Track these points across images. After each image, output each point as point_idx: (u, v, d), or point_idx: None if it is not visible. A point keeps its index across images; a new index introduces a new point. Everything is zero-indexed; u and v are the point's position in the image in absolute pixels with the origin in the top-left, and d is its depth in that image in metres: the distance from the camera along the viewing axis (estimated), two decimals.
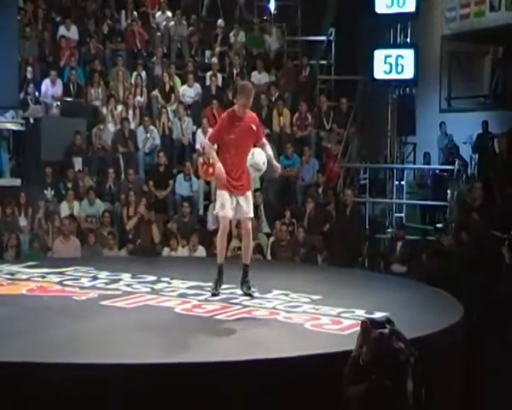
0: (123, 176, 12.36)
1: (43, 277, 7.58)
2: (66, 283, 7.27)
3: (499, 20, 12.63)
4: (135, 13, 15.15)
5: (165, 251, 10.70)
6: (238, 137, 6.64)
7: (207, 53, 15.10)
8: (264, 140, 6.97)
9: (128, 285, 7.18)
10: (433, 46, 14.12)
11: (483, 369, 6.27)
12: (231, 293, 6.86)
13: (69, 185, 11.82)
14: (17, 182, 11.77)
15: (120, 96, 13.64)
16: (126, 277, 7.58)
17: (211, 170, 12.35)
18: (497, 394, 6.13)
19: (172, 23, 15.09)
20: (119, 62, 14.00)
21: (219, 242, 6.83)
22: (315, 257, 10.57)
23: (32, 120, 12.65)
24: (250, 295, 6.72)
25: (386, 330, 3.76)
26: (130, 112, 13.34)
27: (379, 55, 11.67)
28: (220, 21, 15.26)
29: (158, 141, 12.95)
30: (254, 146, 6.74)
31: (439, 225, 10.54)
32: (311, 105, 13.85)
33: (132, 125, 13.05)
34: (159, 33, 15.06)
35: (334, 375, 3.99)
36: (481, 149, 12.34)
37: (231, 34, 15.10)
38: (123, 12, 15.31)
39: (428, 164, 13.55)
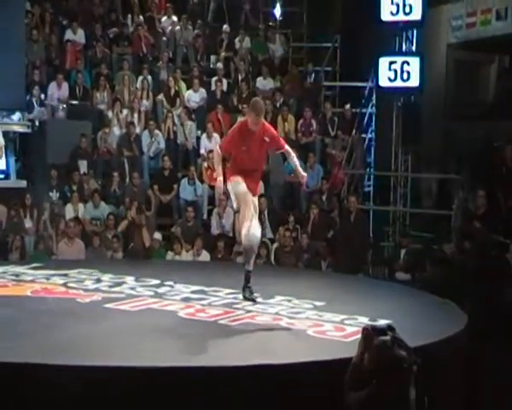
0: (128, 179, 12.39)
1: (48, 278, 7.60)
2: (70, 285, 7.29)
3: (505, 29, 12.63)
4: (141, 17, 15.21)
5: (169, 255, 10.72)
6: (250, 149, 6.65)
7: (213, 58, 15.14)
8: (288, 148, 6.96)
9: (132, 288, 7.20)
10: (439, 54, 14.12)
11: (485, 378, 6.26)
12: (234, 298, 6.87)
13: (74, 188, 11.85)
14: (23, 184, 11.80)
15: (126, 100, 13.68)
16: (130, 280, 7.59)
17: (215, 175, 12.41)
18: (499, 403, 6.12)
19: (178, 28, 15.13)
20: (124, 66, 14.04)
21: (243, 216, 6.54)
22: (318, 263, 10.57)
23: (37, 123, 12.69)
24: (253, 300, 6.72)
25: (388, 338, 3.76)
26: (136, 116, 13.37)
27: (384, 62, 11.68)
28: (226, 27, 15.30)
29: (163, 145, 12.97)
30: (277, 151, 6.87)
31: (442, 234, 10.54)
32: (316, 111, 13.88)
33: (137, 129, 13.09)
34: (164, 38, 15.11)
35: (337, 382, 3.99)
36: (486, 157, 12.34)
37: (237, 40, 15.14)
38: (129, 16, 15.36)
39: (433, 172, 13.55)
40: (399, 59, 11.66)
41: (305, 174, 7.00)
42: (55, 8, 14.97)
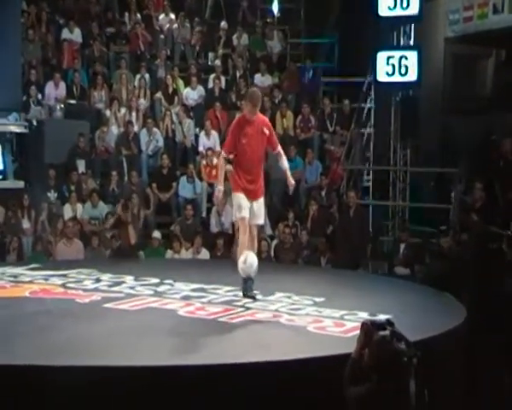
0: (126, 178, 12.37)
1: (47, 279, 7.59)
2: (69, 285, 7.28)
3: (502, 23, 12.60)
4: (138, 15, 15.19)
5: (169, 253, 10.71)
6: (250, 140, 6.71)
7: (210, 55, 15.13)
8: (280, 150, 7.02)
9: (131, 288, 7.19)
10: (437, 49, 14.10)
11: (485, 370, 6.26)
12: (234, 295, 6.86)
13: (72, 188, 11.84)
14: (20, 184, 11.79)
15: (124, 99, 13.66)
16: (129, 279, 7.58)
17: (214, 172, 12.41)
18: (499, 395, 6.12)
19: (176, 25, 15.12)
20: (122, 65, 14.03)
21: (242, 244, 6.76)
22: (318, 259, 10.57)
23: (35, 123, 12.68)
24: (253, 297, 6.72)
25: (387, 332, 3.76)
26: (134, 114, 13.36)
27: (382, 57, 11.66)
28: (223, 24, 15.28)
29: (161, 143, 12.96)
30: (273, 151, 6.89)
31: (442, 227, 10.53)
32: (315, 107, 13.87)
33: (136, 128, 13.07)
34: (162, 36, 15.10)
35: (338, 377, 3.99)
36: (484, 151, 12.33)
37: (234, 36, 15.13)
38: (126, 14, 15.34)
39: (431, 166, 13.53)
40: (397, 53, 11.63)
41: (293, 182, 7.11)
42: (51, 8, 14.96)
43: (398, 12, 11.59)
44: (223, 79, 14.31)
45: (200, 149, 12.85)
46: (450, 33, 13.85)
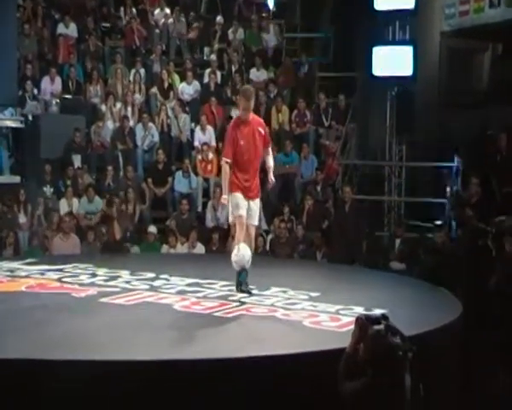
0: (122, 173, 12.37)
1: (43, 274, 7.60)
2: (65, 280, 7.30)
3: (499, 17, 12.58)
4: (134, 10, 15.15)
5: (164, 248, 10.72)
6: (247, 141, 6.77)
7: (206, 50, 15.11)
8: (269, 149, 7.07)
9: (127, 282, 7.21)
10: (432, 43, 14.09)
11: (480, 364, 6.28)
12: (230, 290, 6.88)
13: (68, 182, 11.83)
14: (16, 179, 11.78)
15: (119, 94, 13.64)
16: (125, 274, 7.60)
17: (209, 167, 12.41)
18: (494, 390, 6.14)
19: (171, 20, 15.08)
20: (117, 60, 14.01)
21: (238, 243, 6.72)
22: (314, 254, 10.59)
23: (30, 118, 12.64)
24: (248, 292, 6.73)
25: (382, 327, 3.77)
26: (129, 109, 13.34)
27: (378, 51, 11.66)
28: (219, 18, 15.25)
29: (157, 138, 12.95)
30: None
31: (438, 222, 10.55)
32: (310, 102, 13.86)
33: (131, 123, 13.06)
34: (157, 30, 15.07)
35: (333, 372, 4.00)
36: (480, 145, 12.33)
37: (230, 31, 15.10)
38: (122, 9, 15.31)
39: (427, 161, 13.53)
40: (393, 48, 11.64)
41: (273, 180, 7.17)
42: (47, 2, 14.92)
43: (394, 6, 11.60)
44: (218, 73, 14.29)
45: (196, 143, 12.84)
46: (447, 27, 13.82)
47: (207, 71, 14.21)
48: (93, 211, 11.47)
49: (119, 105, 13.39)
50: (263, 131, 6.90)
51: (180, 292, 6.80)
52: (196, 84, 13.93)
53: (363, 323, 3.89)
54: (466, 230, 7.33)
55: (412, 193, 12.03)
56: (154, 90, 13.83)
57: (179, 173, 12.29)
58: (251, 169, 6.83)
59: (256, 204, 6.92)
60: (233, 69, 14.33)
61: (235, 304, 6.37)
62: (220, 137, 12.14)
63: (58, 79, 13.38)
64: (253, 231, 6.95)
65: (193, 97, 13.83)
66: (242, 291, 6.76)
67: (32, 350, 4.90)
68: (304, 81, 14.53)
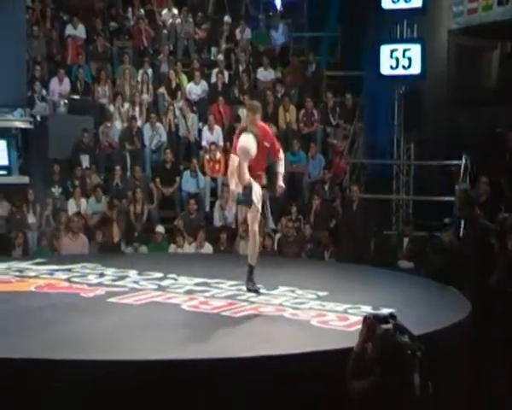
0: (129, 173, 12.40)
1: (52, 274, 7.62)
2: (73, 280, 7.31)
3: (507, 14, 12.54)
4: (141, 10, 15.18)
5: (172, 248, 10.73)
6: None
7: (213, 50, 15.11)
8: (281, 156, 7.00)
9: (135, 282, 7.21)
10: (440, 41, 14.05)
11: (489, 363, 6.26)
12: (238, 289, 6.88)
13: (76, 183, 11.87)
14: (25, 180, 11.80)
15: (127, 94, 13.68)
16: (133, 273, 7.61)
17: (217, 167, 12.42)
18: (502, 389, 6.13)
19: (179, 20, 15.10)
20: (125, 60, 14.04)
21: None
22: (321, 253, 10.58)
23: (39, 118, 12.70)
24: (256, 291, 6.73)
25: (390, 326, 3.77)
26: (137, 109, 13.38)
27: (385, 50, 11.64)
28: (227, 18, 15.26)
29: (164, 138, 12.98)
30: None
31: (445, 221, 10.52)
32: (318, 101, 13.85)
33: (139, 123, 13.09)
34: (165, 31, 15.09)
35: (341, 371, 4.00)
36: (489, 143, 12.30)
37: (237, 31, 15.11)
38: (130, 10, 15.34)
39: (435, 159, 13.51)
40: (401, 46, 11.62)
41: (283, 185, 7.02)
42: (55, 4, 14.98)
43: (402, 5, 11.58)
44: (226, 73, 14.30)
45: (204, 143, 12.86)
46: (455, 25, 13.79)
47: (215, 71, 14.23)
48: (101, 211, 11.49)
49: (126, 105, 13.43)
50: (268, 145, 6.79)
51: (188, 292, 6.80)
52: (204, 84, 13.95)
53: (371, 322, 3.90)
54: (474, 228, 7.30)
55: (420, 191, 12.01)
56: (162, 90, 13.86)
57: (187, 173, 12.31)
58: (257, 172, 6.76)
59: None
60: (240, 69, 14.33)
61: (243, 303, 6.36)
62: (228, 136, 12.15)
63: (66, 80, 13.43)
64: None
65: (200, 97, 13.85)
66: (250, 290, 6.76)
67: (41, 350, 4.92)
68: (311, 80, 14.52)
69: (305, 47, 15.49)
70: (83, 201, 11.58)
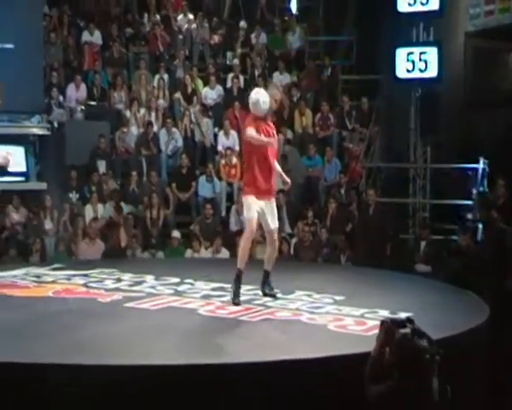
0: (146, 178, 12.43)
1: (69, 279, 7.65)
2: (90, 285, 7.34)
3: None
4: (157, 16, 15.25)
5: (188, 253, 10.74)
6: (267, 135, 6.59)
7: (229, 54, 15.14)
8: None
9: (152, 287, 7.23)
10: (457, 43, 13.99)
11: (508, 368, 6.21)
12: (255, 294, 6.87)
13: (93, 188, 11.92)
14: (43, 186, 11.87)
15: (143, 100, 13.73)
16: (150, 279, 7.62)
17: (233, 171, 12.42)
18: None
19: (194, 26, 15.15)
20: (141, 66, 14.10)
21: (243, 246, 6.57)
22: (338, 257, 10.55)
23: (56, 125, 12.77)
24: (273, 295, 6.71)
25: (408, 330, 3.75)
26: (153, 115, 13.42)
27: (402, 53, 11.59)
28: (242, 23, 15.29)
29: (180, 143, 13.01)
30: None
31: (462, 225, 10.45)
32: (333, 105, 13.83)
33: (155, 128, 13.13)
34: (181, 36, 15.14)
35: (359, 376, 3.98)
36: (506, 146, 12.21)
37: (253, 35, 15.13)
38: (145, 15, 15.41)
39: (452, 162, 13.44)
40: (417, 49, 11.56)
41: (288, 180, 6.90)
42: (72, 10, 15.04)
43: (418, 7, 11.53)
44: (241, 78, 14.32)
45: (219, 148, 12.88)
46: (471, 28, 13.72)
47: (230, 75, 14.25)
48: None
49: (143, 111, 13.48)
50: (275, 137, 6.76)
51: (205, 297, 6.81)
52: (219, 88, 13.97)
53: (388, 326, 3.87)
54: (491, 232, 7.26)
55: (437, 195, 11.94)
56: (178, 95, 13.89)
57: (203, 178, 12.33)
58: (271, 167, 6.62)
59: (273, 205, 6.71)
60: (256, 73, 14.34)
61: (259, 308, 6.36)
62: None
63: (83, 86, 13.50)
64: (274, 235, 6.78)
65: (216, 102, 13.87)
66: (266, 295, 6.74)
67: (58, 355, 4.93)
68: (327, 84, 14.51)
69: (320, 51, 15.49)
70: (99, 206, 11.62)
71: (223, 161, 12.53)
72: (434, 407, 3.74)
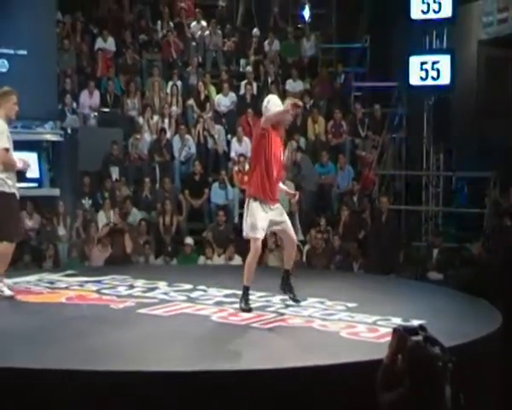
0: (159, 185, 12.47)
1: (82, 285, 7.67)
2: (103, 291, 7.35)
3: None
4: (170, 23, 15.31)
5: (201, 259, 10.76)
6: (274, 142, 6.53)
7: (242, 62, 15.19)
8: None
9: (165, 294, 7.23)
10: (470, 51, 13.99)
11: None
12: (267, 301, 6.88)
13: (106, 195, 11.95)
14: (56, 192, 11.91)
15: (156, 106, 13.77)
16: (163, 285, 7.63)
17: (246, 178, 12.43)
18: None
19: (207, 32, 15.21)
20: (154, 72, 14.15)
21: (249, 265, 6.47)
22: (350, 264, 10.54)
23: (69, 131, 12.83)
24: (297, 300, 6.67)
25: (421, 338, 3.75)
26: (166, 121, 13.47)
27: (415, 61, 11.60)
28: (255, 30, 15.33)
29: (193, 150, 13.04)
30: None
31: (475, 233, 10.43)
32: (346, 112, 13.84)
33: (168, 135, 13.17)
34: (194, 43, 15.20)
35: (371, 383, 3.98)
36: None
37: (266, 43, 15.17)
38: (159, 22, 15.48)
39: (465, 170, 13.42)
40: (430, 57, 11.56)
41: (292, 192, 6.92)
42: (85, 17, 15.13)
43: (431, 15, 11.53)
44: (254, 85, 14.35)
45: (232, 155, 12.90)
46: (484, 36, 13.72)
47: (243, 82, 14.28)
48: (130, 223, 11.55)
49: (156, 117, 13.53)
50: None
51: (217, 303, 6.82)
52: (233, 95, 14.01)
53: (401, 334, 3.87)
54: (504, 239, 7.24)
55: (450, 203, 11.93)
56: (191, 102, 13.93)
57: (216, 185, 12.35)
58: (279, 171, 6.57)
59: (281, 209, 6.60)
60: (269, 80, 14.37)
61: (272, 315, 6.36)
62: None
63: (96, 93, 13.56)
64: (292, 235, 6.68)
65: (229, 109, 13.91)
66: (286, 294, 6.68)
67: (72, 361, 4.95)
68: (340, 91, 14.52)
69: (333, 58, 15.52)
70: (112, 213, 11.65)
71: (236, 168, 12.55)
72: None
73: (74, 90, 13.63)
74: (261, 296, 7.02)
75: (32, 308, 6.65)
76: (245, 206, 6.68)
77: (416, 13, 11.61)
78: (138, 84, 14.24)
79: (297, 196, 7.07)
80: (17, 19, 11.98)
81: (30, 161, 10.09)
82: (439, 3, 11.40)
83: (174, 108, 13.78)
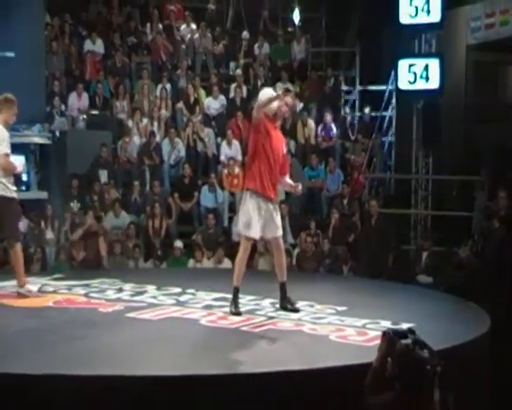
0: (148, 188, 12.43)
1: (70, 289, 7.63)
2: (92, 295, 7.32)
3: None
4: (160, 26, 15.29)
5: (191, 263, 10.74)
6: (273, 139, 6.43)
7: (232, 65, 15.19)
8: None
9: (153, 297, 7.21)
10: (458, 56, 14.05)
11: (510, 380, 6.20)
12: (256, 304, 6.86)
13: (95, 198, 11.91)
14: (44, 195, 11.85)
15: (146, 109, 13.75)
16: (151, 289, 7.60)
17: (235, 181, 12.43)
18: None
19: (197, 35, 15.20)
20: (144, 75, 14.12)
21: (239, 265, 6.45)
22: (340, 268, 10.55)
23: (58, 134, 12.78)
24: (297, 310, 6.61)
25: (410, 341, 3.74)
26: (156, 124, 13.44)
27: (404, 64, 11.63)
28: (245, 33, 15.34)
29: (183, 153, 13.02)
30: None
31: (463, 236, 10.45)
32: (336, 116, 13.86)
33: (158, 138, 13.14)
34: (183, 46, 15.19)
35: (360, 387, 3.97)
36: (507, 158, 12.24)
37: (256, 46, 15.17)
38: (148, 25, 15.45)
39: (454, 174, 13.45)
40: (419, 61, 11.60)
41: (296, 185, 6.81)
42: (74, 20, 15.09)
43: (420, 20, 11.57)
44: (244, 88, 14.35)
45: (222, 158, 12.90)
46: (472, 40, 13.78)
47: (233, 85, 14.29)
48: (119, 226, 11.51)
49: (145, 120, 13.50)
50: (285, 148, 6.66)
51: (206, 307, 6.79)
52: (222, 98, 14.00)
53: (390, 337, 3.86)
54: (493, 243, 7.26)
55: (439, 206, 11.95)
56: (181, 105, 13.92)
57: (205, 188, 12.34)
58: (277, 167, 6.43)
59: (277, 211, 6.49)
60: (259, 83, 14.38)
61: (261, 318, 6.34)
62: (246, 151, 12.15)
63: (85, 95, 13.53)
64: (280, 242, 6.63)
65: (219, 112, 13.90)
66: (287, 310, 6.57)
67: (59, 365, 4.91)
68: (329, 95, 14.54)
69: (323, 62, 15.54)
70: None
71: (225, 171, 12.55)
72: None
73: (63, 93, 13.60)
74: (251, 300, 7.00)
75: (19, 312, 6.59)
76: (242, 200, 6.61)
77: (405, 17, 11.64)
78: (127, 86, 14.21)
79: (299, 187, 6.84)
80: (5, 21, 11.91)
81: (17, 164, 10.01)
82: (428, 8, 11.44)
83: (163, 111, 13.75)
